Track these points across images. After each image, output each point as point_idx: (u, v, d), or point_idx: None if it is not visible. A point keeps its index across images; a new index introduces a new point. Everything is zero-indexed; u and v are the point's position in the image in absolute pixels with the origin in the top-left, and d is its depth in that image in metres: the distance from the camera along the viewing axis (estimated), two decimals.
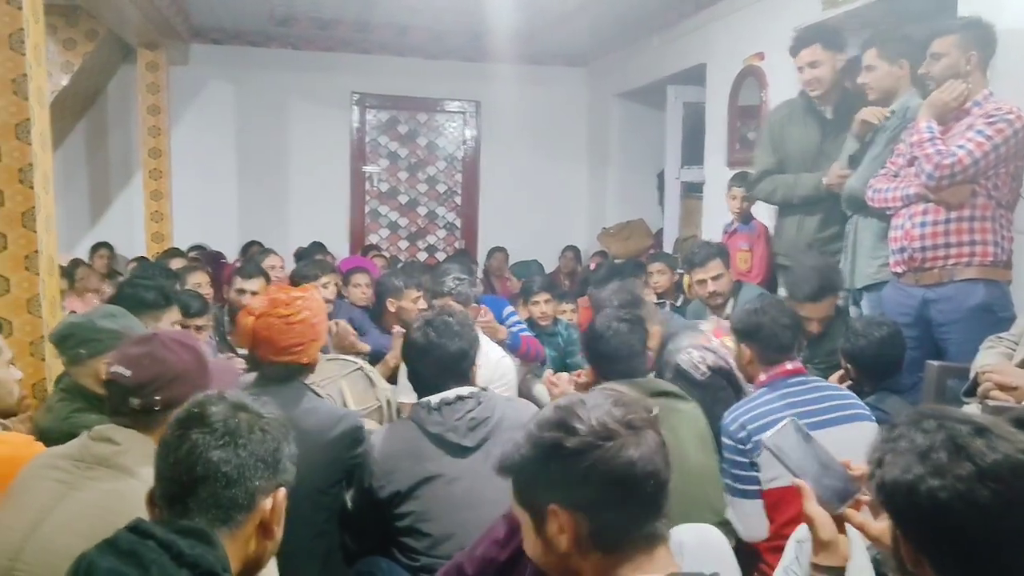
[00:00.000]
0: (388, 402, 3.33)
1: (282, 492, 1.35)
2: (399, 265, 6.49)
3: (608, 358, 2.62)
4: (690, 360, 2.91)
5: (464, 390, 2.31)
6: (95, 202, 7.58)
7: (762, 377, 2.59)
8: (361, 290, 4.80)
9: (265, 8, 6.52)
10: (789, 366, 2.56)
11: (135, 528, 1.20)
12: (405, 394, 3.41)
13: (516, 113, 7.94)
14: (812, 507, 1.39)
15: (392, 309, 4.23)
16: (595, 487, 1.18)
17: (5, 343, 2.15)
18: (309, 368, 2.39)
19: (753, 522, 2.42)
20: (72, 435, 1.85)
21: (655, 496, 1.21)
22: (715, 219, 5.27)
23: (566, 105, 8.10)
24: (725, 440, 2.50)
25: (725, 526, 2.44)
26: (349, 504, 2.37)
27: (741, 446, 2.44)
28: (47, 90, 3.18)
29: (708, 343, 2.98)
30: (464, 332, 2.36)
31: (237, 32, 7.35)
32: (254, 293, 4.12)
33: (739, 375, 2.86)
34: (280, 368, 2.30)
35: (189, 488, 1.26)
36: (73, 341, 2.37)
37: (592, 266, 6.73)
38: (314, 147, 7.75)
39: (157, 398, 1.72)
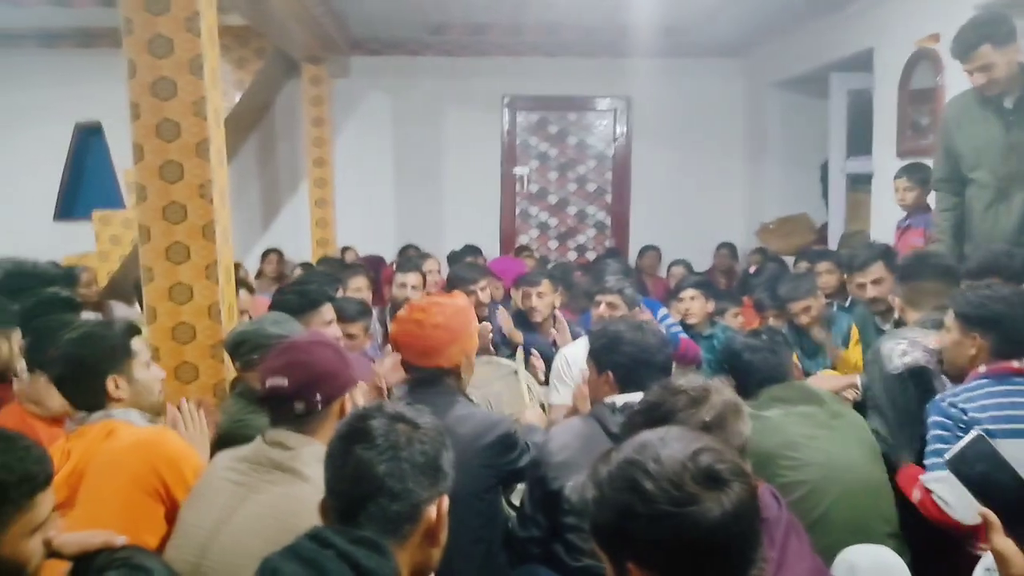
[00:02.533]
0: (541, 404, 3.34)
1: (445, 500, 1.38)
2: (549, 265, 6.51)
3: (749, 371, 2.57)
4: (893, 349, 2.76)
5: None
6: (265, 210, 8.05)
7: (982, 369, 2.37)
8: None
9: (420, 17, 6.70)
10: (1016, 364, 2.33)
11: (315, 536, 1.26)
12: (556, 395, 3.42)
13: (667, 108, 7.81)
14: (1000, 541, 1.24)
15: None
16: (671, 554, 1.07)
17: (144, 344, 2.27)
18: (453, 372, 2.41)
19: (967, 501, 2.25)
20: (245, 436, 1.97)
21: (742, 556, 1.10)
22: (885, 213, 4.97)
23: (719, 97, 7.88)
24: (935, 419, 2.32)
25: (897, 539, 2.31)
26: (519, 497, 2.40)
27: (961, 424, 2.25)
28: (223, 109, 3.39)
29: (926, 341, 2.78)
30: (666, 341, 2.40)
31: (394, 43, 7.61)
32: (414, 287, 4.28)
33: (940, 380, 2.65)
34: (424, 372, 2.37)
35: (359, 504, 1.30)
36: (246, 347, 2.51)
37: (752, 269, 6.48)
38: (466, 151, 7.91)
39: (317, 398, 1.80)
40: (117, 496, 1.84)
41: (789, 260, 6.23)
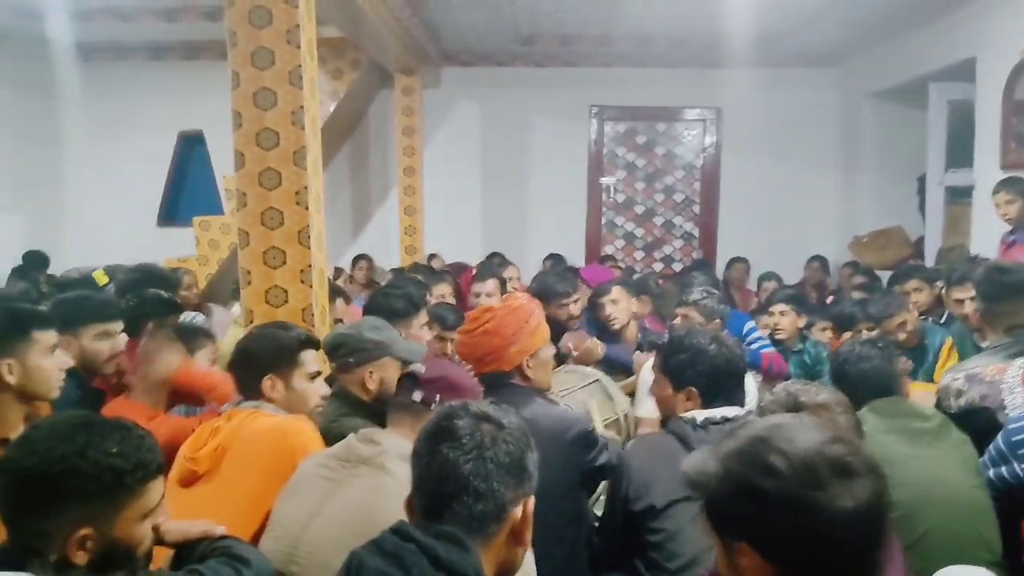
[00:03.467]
0: (625, 416, 3.32)
1: (531, 501, 1.39)
2: (633, 276, 6.47)
3: (856, 383, 2.49)
4: (949, 388, 2.66)
5: (730, 411, 2.24)
6: (356, 217, 8.26)
7: None
8: None
9: (511, 29, 6.77)
10: None
11: (398, 531, 1.29)
12: (643, 408, 3.40)
13: (758, 118, 7.68)
14: None
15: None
16: (791, 543, 1.03)
17: (317, 360, 2.40)
18: (517, 374, 2.44)
19: None
20: (339, 435, 2.04)
21: (864, 556, 1.04)
22: (987, 227, 4.78)
23: (812, 108, 7.71)
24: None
25: (999, 568, 2.21)
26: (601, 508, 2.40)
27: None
28: (319, 118, 3.50)
29: (985, 373, 2.68)
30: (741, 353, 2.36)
31: (484, 54, 7.71)
32: (489, 295, 4.29)
33: (1004, 414, 2.55)
34: (488, 378, 2.39)
35: (443, 502, 1.33)
36: (344, 350, 2.59)
37: (850, 281, 6.29)
38: (553, 160, 7.95)
39: (438, 397, 1.87)
40: (252, 478, 1.95)
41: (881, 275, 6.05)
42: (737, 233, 7.82)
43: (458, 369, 2.10)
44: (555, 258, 7.11)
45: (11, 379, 2.11)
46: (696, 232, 8.15)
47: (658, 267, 8.07)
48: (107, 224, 7.61)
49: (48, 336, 2.20)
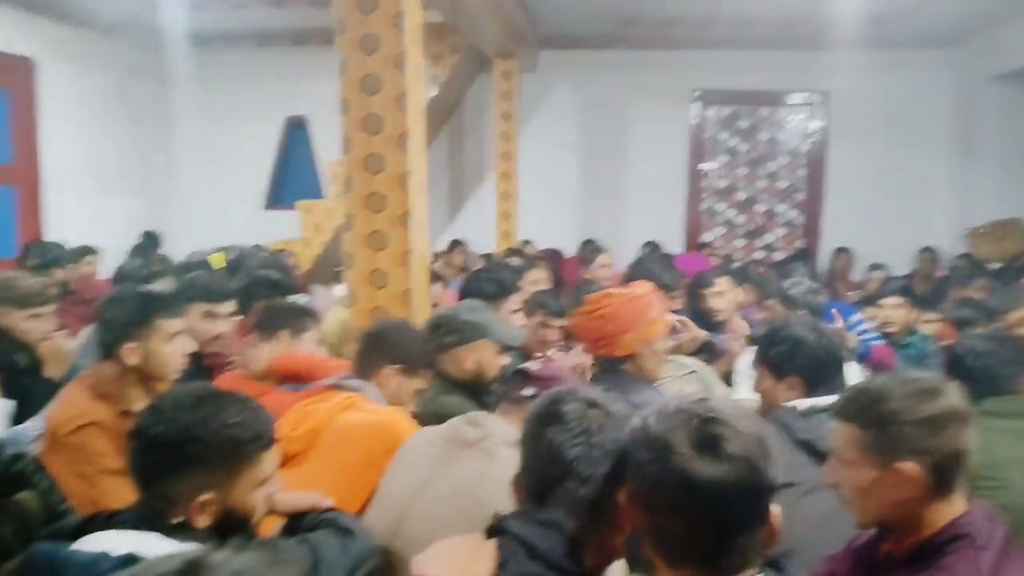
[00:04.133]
0: None
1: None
2: (732, 264, 6.34)
3: (968, 378, 2.37)
4: None
5: (833, 399, 2.19)
6: (452, 202, 8.34)
7: None
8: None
9: (612, 12, 6.69)
10: None
11: (495, 525, 1.32)
12: (741, 392, 3.33)
13: (868, 103, 7.39)
14: None
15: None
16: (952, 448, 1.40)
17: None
18: (631, 360, 2.42)
19: None
20: (437, 414, 2.07)
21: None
22: None
23: (927, 92, 7.37)
24: None
25: None
26: None
27: None
28: (423, 104, 3.53)
29: None
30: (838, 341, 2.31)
31: (583, 37, 7.65)
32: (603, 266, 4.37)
33: None
34: (602, 361, 2.43)
35: (548, 485, 1.34)
36: (442, 330, 2.63)
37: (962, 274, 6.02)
38: (652, 146, 7.84)
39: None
40: (345, 467, 1.99)
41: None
42: (843, 222, 7.56)
43: (572, 374, 2.11)
44: (652, 245, 7.01)
45: (133, 361, 2.23)
46: (799, 220, 7.92)
47: (759, 256, 7.88)
48: (216, 207, 7.90)
49: (171, 324, 2.31)
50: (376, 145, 3.31)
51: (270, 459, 1.49)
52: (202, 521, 1.41)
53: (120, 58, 7.25)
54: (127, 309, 2.28)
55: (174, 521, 1.40)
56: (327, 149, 7.41)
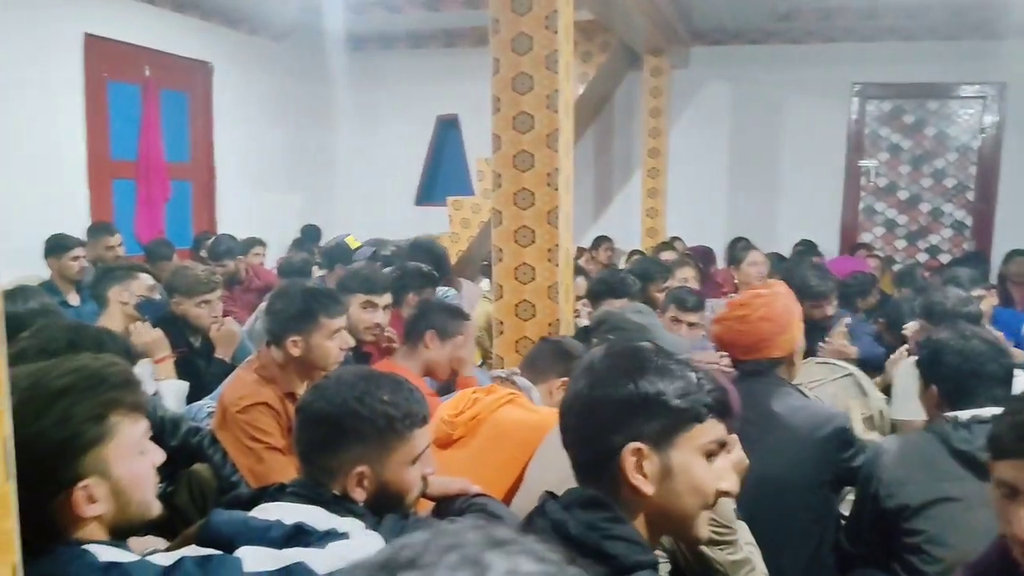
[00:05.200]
0: (880, 413, 3.13)
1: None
2: (894, 267, 6.04)
3: None
4: None
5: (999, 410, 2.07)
6: (598, 198, 8.34)
7: None
8: None
9: (767, 5, 6.52)
10: None
11: (540, 507, 1.28)
12: (902, 411, 3.17)
13: None
14: None
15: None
16: None
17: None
18: (784, 362, 2.35)
19: None
20: None
21: None
22: None
23: None
24: None
25: None
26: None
27: None
28: (572, 102, 3.57)
29: None
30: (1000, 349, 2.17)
31: (737, 32, 7.47)
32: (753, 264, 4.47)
33: None
34: (753, 365, 2.33)
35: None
36: (606, 326, 2.68)
37: None
38: (807, 142, 7.56)
39: None
40: (500, 460, 2.07)
41: None
42: (1018, 223, 7.03)
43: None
44: (806, 244, 6.77)
45: (295, 352, 2.42)
46: (968, 221, 7.43)
47: (922, 258, 7.45)
48: (371, 202, 8.24)
49: (334, 322, 2.48)
50: (526, 143, 3.37)
51: (422, 437, 1.56)
52: (359, 494, 1.50)
53: (286, 62, 7.68)
54: (294, 304, 2.45)
55: (334, 493, 1.49)
56: (476, 146, 7.58)
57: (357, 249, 4.96)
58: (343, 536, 1.34)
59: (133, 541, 1.43)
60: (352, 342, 2.62)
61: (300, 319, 2.43)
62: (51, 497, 1.20)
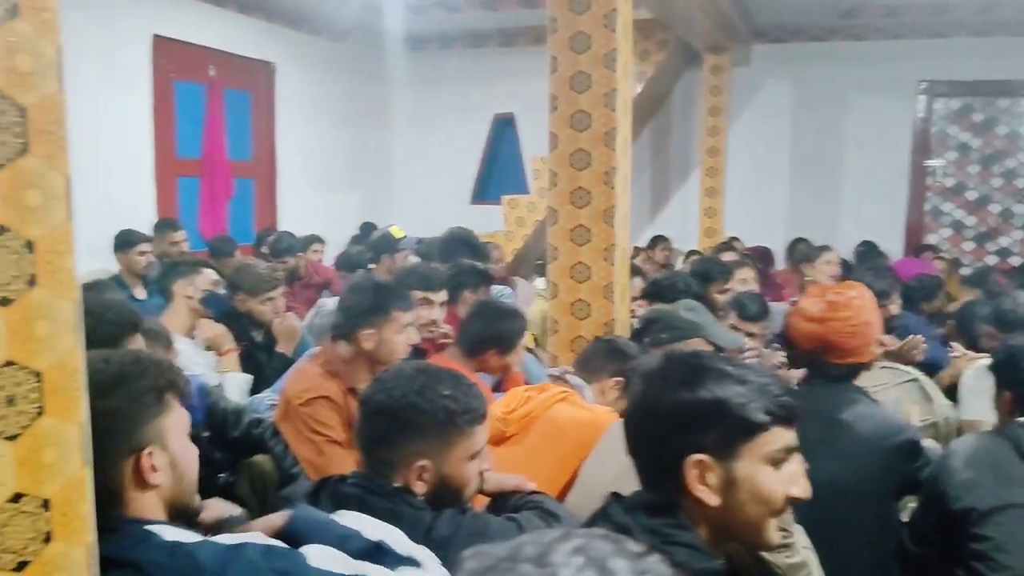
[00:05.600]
0: (946, 419, 3.05)
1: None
2: (961, 269, 5.89)
3: None
4: None
5: None
6: (655, 197, 8.28)
7: None
8: None
9: (830, 1, 6.40)
10: None
11: (602, 511, 1.28)
12: (970, 411, 3.10)
13: None
14: None
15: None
16: None
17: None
18: (868, 366, 2.31)
19: None
20: None
21: None
22: None
23: None
24: None
25: None
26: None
27: None
28: (630, 100, 3.55)
29: None
30: None
31: (799, 29, 7.35)
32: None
33: None
34: (839, 368, 2.25)
35: None
36: (658, 326, 2.66)
37: None
38: (871, 141, 7.40)
39: None
40: (554, 457, 2.08)
41: None
42: None
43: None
44: (868, 246, 6.64)
45: (368, 346, 2.45)
46: None
47: (991, 260, 7.24)
48: (427, 201, 8.30)
49: (405, 316, 2.52)
50: (583, 141, 3.37)
51: (480, 432, 1.58)
52: (419, 487, 1.51)
53: (347, 62, 7.79)
54: (367, 298, 2.49)
55: (395, 486, 1.51)
56: (532, 145, 7.59)
57: (402, 239, 5.01)
58: (417, 565, 1.34)
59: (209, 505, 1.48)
60: (418, 338, 2.65)
61: (374, 313, 2.47)
62: (117, 462, 1.26)
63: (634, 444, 1.26)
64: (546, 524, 1.61)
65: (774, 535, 1.22)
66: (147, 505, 1.28)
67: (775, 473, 1.18)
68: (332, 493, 1.56)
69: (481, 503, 1.75)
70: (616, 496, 1.26)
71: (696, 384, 1.18)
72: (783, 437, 1.18)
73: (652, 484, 1.23)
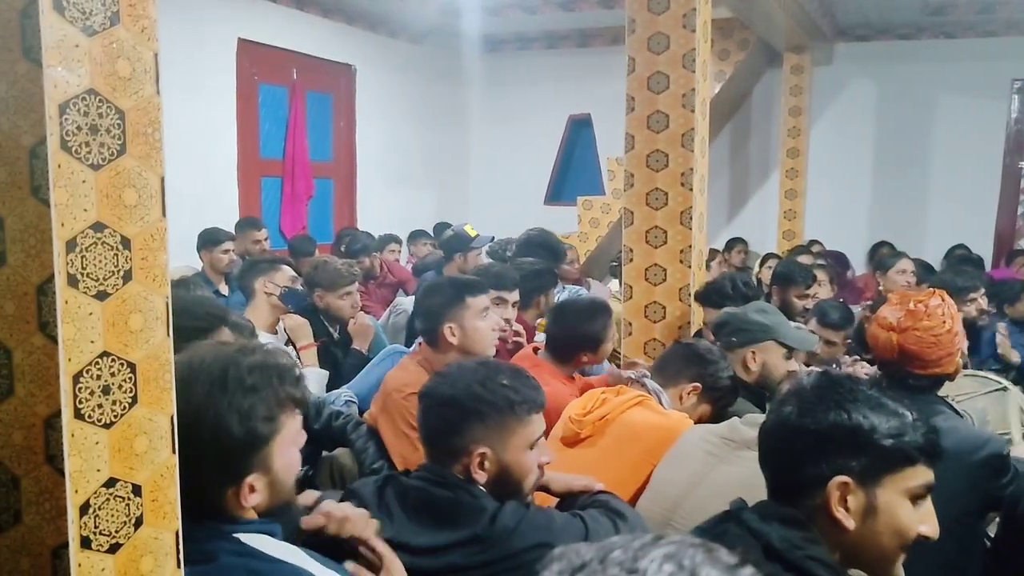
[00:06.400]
0: None
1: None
2: None
3: None
4: None
5: None
6: (734, 199, 8.14)
7: None
8: None
9: None
10: None
11: (733, 514, 1.27)
12: None
13: None
14: None
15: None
16: None
17: None
18: (950, 378, 2.23)
19: None
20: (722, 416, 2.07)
21: None
22: None
23: None
24: None
25: None
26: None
27: None
28: (708, 101, 3.51)
29: None
30: None
31: (884, 27, 7.14)
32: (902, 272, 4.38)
33: None
34: (921, 379, 2.18)
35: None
36: (728, 328, 2.62)
37: None
38: (961, 141, 7.13)
39: None
40: (629, 461, 2.07)
41: None
42: None
43: None
44: (960, 248, 6.42)
45: (453, 339, 2.47)
46: None
47: None
48: (502, 201, 8.33)
49: (480, 300, 2.54)
50: (660, 142, 3.35)
51: (538, 422, 1.62)
52: (480, 476, 1.56)
53: (425, 64, 7.88)
54: (442, 294, 2.52)
55: (458, 476, 1.56)
56: (608, 146, 7.55)
57: (475, 238, 5.04)
58: None
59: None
60: (503, 322, 2.66)
61: (448, 305, 2.50)
62: (221, 487, 1.25)
63: (774, 459, 1.29)
64: (612, 522, 1.63)
65: (900, 570, 1.23)
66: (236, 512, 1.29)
67: (912, 508, 1.20)
68: (396, 486, 1.61)
69: (549, 503, 1.76)
70: (743, 502, 1.28)
71: (852, 409, 1.20)
72: (926, 475, 1.22)
73: (788, 499, 1.24)
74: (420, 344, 2.65)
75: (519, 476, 1.59)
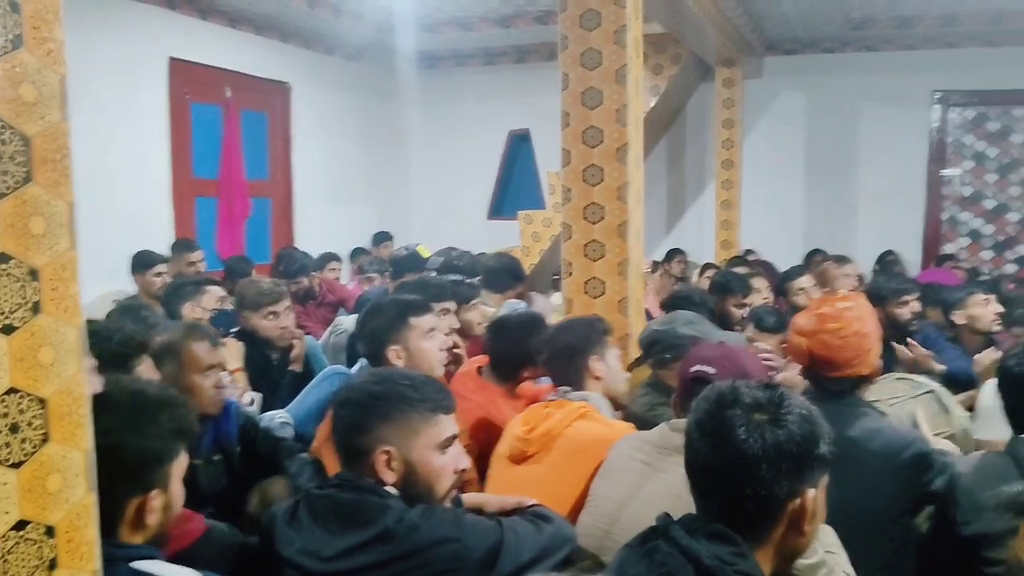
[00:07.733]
0: (964, 432, 3.01)
1: (811, 493, 1.26)
2: (980, 278, 5.82)
3: None
4: None
5: None
6: (671, 210, 8.26)
7: None
8: None
9: (841, 13, 6.38)
10: None
11: (663, 531, 1.26)
12: (986, 430, 3.05)
13: None
14: None
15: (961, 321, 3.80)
16: None
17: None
18: (869, 380, 2.25)
19: None
20: (653, 424, 2.07)
21: None
22: None
23: None
24: None
25: None
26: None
27: None
28: (642, 115, 3.55)
29: None
30: None
31: (811, 41, 7.34)
32: (801, 289, 4.37)
33: None
34: (839, 382, 2.20)
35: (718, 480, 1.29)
36: (659, 347, 2.63)
37: None
38: (886, 151, 7.36)
39: None
40: (576, 476, 2.06)
41: None
42: None
43: (751, 359, 2.05)
44: (889, 254, 6.60)
45: (399, 362, 2.42)
46: None
47: (1010, 269, 7.17)
48: (444, 217, 8.33)
49: (425, 320, 2.50)
50: (595, 157, 3.37)
51: (447, 424, 1.63)
52: (388, 476, 1.56)
53: (362, 81, 7.84)
54: (384, 316, 2.47)
55: (367, 479, 1.56)
56: (548, 160, 7.60)
57: (428, 259, 5.02)
58: None
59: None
60: (449, 342, 2.62)
61: (391, 327, 2.45)
62: (125, 500, 1.29)
63: (732, 482, 1.27)
64: (533, 525, 1.64)
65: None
66: (129, 535, 1.33)
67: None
68: (307, 499, 1.61)
69: None
70: (668, 516, 1.29)
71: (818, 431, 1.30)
72: None
73: (746, 522, 1.25)
74: (364, 366, 2.59)
75: (428, 478, 1.59)
